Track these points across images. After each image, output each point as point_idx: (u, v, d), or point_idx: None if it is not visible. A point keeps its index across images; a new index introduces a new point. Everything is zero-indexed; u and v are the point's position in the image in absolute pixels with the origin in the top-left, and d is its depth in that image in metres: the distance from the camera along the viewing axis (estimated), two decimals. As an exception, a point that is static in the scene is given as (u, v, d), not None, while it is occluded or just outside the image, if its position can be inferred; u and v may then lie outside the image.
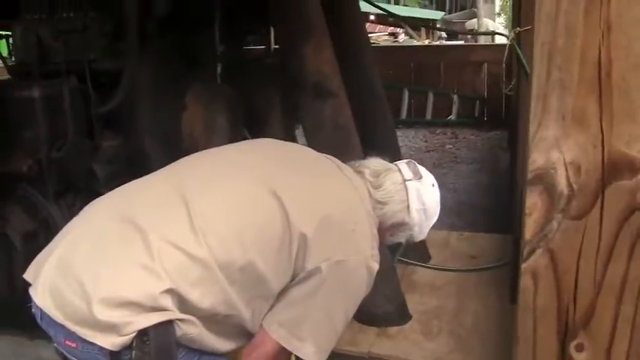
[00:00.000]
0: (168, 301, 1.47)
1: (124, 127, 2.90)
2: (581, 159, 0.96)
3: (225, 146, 1.85)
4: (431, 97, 7.12)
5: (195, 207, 1.57)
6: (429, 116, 6.99)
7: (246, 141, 1.87)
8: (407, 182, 1.78)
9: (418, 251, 3.40)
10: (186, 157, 1.81)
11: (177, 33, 3.01)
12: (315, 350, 1.61)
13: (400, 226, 1.81)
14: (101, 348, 1.47)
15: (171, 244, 1.51)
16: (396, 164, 1.85)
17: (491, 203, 4.73)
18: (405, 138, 4.02)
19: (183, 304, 1.49)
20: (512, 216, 3.24)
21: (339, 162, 1.81)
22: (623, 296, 0.90)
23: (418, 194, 1.79)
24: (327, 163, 1.79)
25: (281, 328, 1.61)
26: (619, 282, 0.90)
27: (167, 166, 1.79)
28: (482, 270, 3.17)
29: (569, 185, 0.95)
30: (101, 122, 2.84)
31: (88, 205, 1.71)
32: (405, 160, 1.89)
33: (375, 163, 1.85)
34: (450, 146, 6.17)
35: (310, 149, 1.88)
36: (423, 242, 3.43)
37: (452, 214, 4.66)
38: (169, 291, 1.46)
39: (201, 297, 1.50)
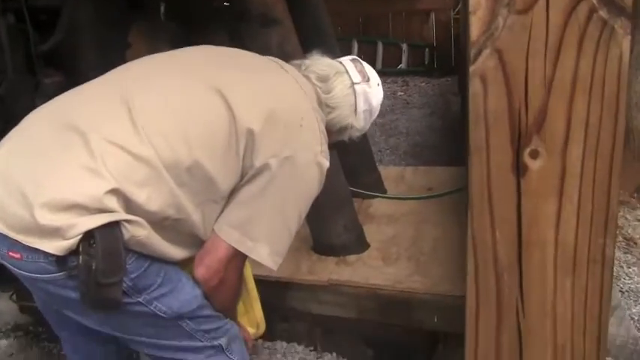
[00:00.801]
0: (113, 202, 1.42)
1: (67, 65, 2.83)
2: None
3: (164, 53, 1.78)
4: (380, 47, 7.10)
5: (136, 106, 1.52)
6: (379, 66, 6.97)
7: (186, 48, 1.80)
8: (355, 86, 1.77)
9: (373, 186, 3.38)
10: (124, 65, 1.74)
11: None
12: (269, 252, 1.59)
13: (346, 128, 1.82)
14: (46, 256, 1.42)
15: (113, 144, 1.46)
16: (342, 63, 1.82)
17: (444, 144, 4.75)
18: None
19: (130, 206, 1.45)
20: (466, 152, 3.24)
21: (283, 62, 1.77)
22: (574, 95, 0.88)
23: (365, 97, 1.80)
24: (270, 62, 1.76)
25: (233, 230, 1.58)
26: (570, 80, 0.89)
27: (105, 74, 1.71)
28: (439, 196, 3.15)
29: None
30: (42, 60, 2.79)
31: (24, 119, 1.63)
32: (350, 58, 1.87)
33: (321, 65, 1.81)
34: (402, 93, 6.17)
35: (253, 53, 1.82)
36: (378, 177, 3.42)
37: (406, 157, 4.67)
38: (114, 191, 1.41)
39: (149, 199, 1.46)
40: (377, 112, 1.88)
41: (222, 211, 1.62)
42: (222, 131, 1.54)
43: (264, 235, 1.60)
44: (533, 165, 0.92)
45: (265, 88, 1.64)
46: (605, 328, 0.98)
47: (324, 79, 1.76)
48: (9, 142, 1.57)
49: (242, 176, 1.59)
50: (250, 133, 1.54)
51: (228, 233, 1.59)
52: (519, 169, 0.93)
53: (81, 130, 1.48)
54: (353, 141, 3.00)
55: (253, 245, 1.59)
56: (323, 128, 1.68)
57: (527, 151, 0.92)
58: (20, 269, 1.48)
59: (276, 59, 1.79)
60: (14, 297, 2.76)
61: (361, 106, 1.80)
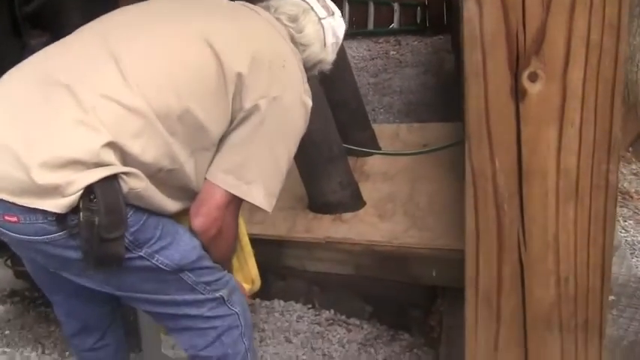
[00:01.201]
0: (110, 156, 1.39)
1: (52, 26, 2.75)
2: None
3: (143, 3, 1.74)
4: (372, 6, 7.00)
5: (122, 57, 1.49)
6: (371, 26, 6.90)
7: None
8: (322, 21, 1.80)
9: (367, 144, 3.34)
10: (103, 16, 1.69)
11: None
12: (264, 193, 1.59)
13: (318, 63, 1.83)
14: (45, 216, 1.39)
15: (103, 96, 1.43)
16: (305, 1, 1.84)
17: (438, 101, 4.69)
18: (348, 49, 3.91)
19: (126, 158, 1.42)
20: (461, 108, 3.21)
21: (255, 7, 1.77)
22: (574, 13, 0.84)
23: (333, 31, 1.83)
24: (243, 7, 1.76)
25: (227, 175, 1.57)
26: None
27: (84, 26, 1.67)
28: (435, 151, 3.12)
29: None
30: (27, 22, 2.75)
31: (1, 78, 1.58)
32: None
33: (288, 6, 1.82)
34: (394, 52, 6.10)
35: None
36: (372, 134, 3.39)
37: (400, 115, 4.63)
38: (110, 144, 1.38)
39: (143, 150, 1.43)
40: (341, 41, 1.91)
41: (212, 159, 1.59)
42: (211, 77, 1.52)
43: (258, 177, 1.59)
44: (533, 89, 0.88)
45: (246, 32, 1.64)
46: (609, 259, 0.96)
47: (294, 19, 1.77)
48: None
49: (231, 121, 1.57)
50: (239, 76, 1.53)
51: (223, 179, 1.58)
52: (518, 94, 0.89)
53: (67, 84, 1.45)
54: (346, 100, 2.99)
55: (248, 189, 1.58)
56: (302, 67, 1.70)
57: (526, 74, 0.88)
58: (17, 233, 1.45)
59: (247, 3, 1.79)
60: (9, 262, 2.73)
61: (330, 39, 1.83)
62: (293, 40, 1.75)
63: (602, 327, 1.00)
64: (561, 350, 1.03)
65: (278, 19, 1.75)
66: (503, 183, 0.93)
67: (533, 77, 0.87)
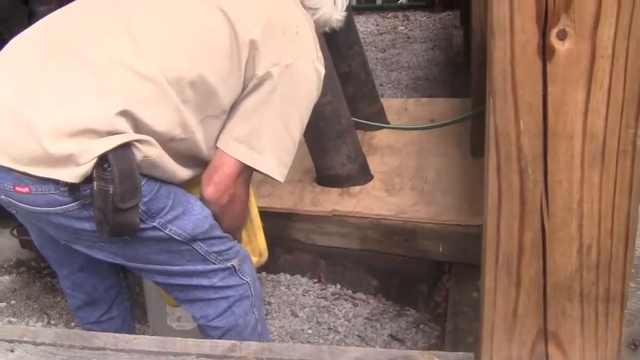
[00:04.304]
0: (123, 124, 1.36)
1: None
2: None
3: None
4: (380, -19, 6.94)
5: (134, 23, 1.46)
6: (379, 1, 6.81)
7: None
8: None
9: (376, 117, 3.31)
10: None
11: None
12: (277, 163, 1.57)
13: (329, 21, 1.80)
14: (58, 186, 1.37)
15: (115, 62, 1.40)
16: None
17: (447, 77, 4.65)
18: (356, 24, 3.86)
19: (138, 126, 1.40)
20: (469, 85, 3.17)
21: None
22: (607, -33, 0.80)
23: None
24: None
25: (239, 144, 1.54)
26: None
27: None
28: (442, 126, 3.09)
29: None
30: None
31: (7, 45, 1.55)
32: None
33: None
34: (403, 28, 6.03)
35: None
36: (380, 108, 3.35)
37: (408, 90, 4.59)
38: (123, 112, 1.36)
39: (155, 118, 1.41)
40: None
41: (223, 126, 1.57)
42: (224, 44, 1.49)
43: (270, 146, 1.57)
44: (561, 47, 0.85)
45: None
46: (634, 228, 0.93)
47: None
48: None
49: (243, 88, 1.55)
50: (253, 43, 1.50)
51: (235, 148, 1.56)
52: (545, 52, 0.86)
53: (77, 51, 1.43)
54: (354, 73, 2.94)
55: (260, 158, 1.56)
56: (315, 34, 1.66)
57: (555, 31, 0.84)
58: (29, 204, 1.42)
59: None
60: (15, 232, 2.72)
61: None
62: (303, 4, 1.71)
63: (624, 298, 0.98)
64: (581, 320, 1.01)
65: None
66: (528, 145, 0.90)
67: (561, 35, 0.84)
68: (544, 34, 0.84)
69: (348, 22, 3.34)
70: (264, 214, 2.04)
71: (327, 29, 1.85)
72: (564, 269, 0.98)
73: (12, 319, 2.63)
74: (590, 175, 0.91)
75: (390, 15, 6.43)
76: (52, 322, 2.61)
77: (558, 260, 0.97)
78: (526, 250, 0.96)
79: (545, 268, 0.98)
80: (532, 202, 0.93)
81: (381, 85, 4.59)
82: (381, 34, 5.87)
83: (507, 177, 0.92)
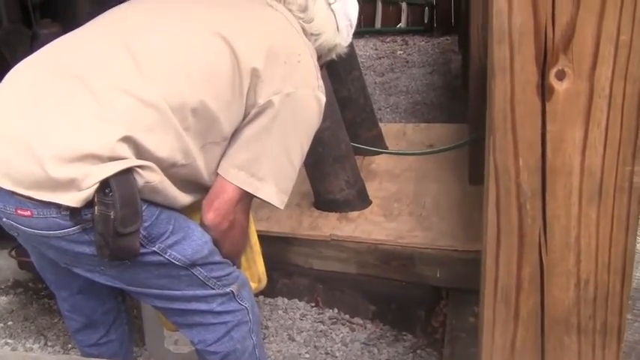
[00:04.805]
0: (125, 149, 1.38)
1: (62, 15, 2.76)
2: None
3: None
4: (379, 5, 6.99)
5: (137, 49, 1.47)
6: (378, 25, 6.89)
7: None
8: (332, 6, 1.75)
9: (374, 142, 3.33)
10: (116, 8, 1.68)
11: None
12: (276, 190, 1.59)
13: (333, 48, 1.80)
14: (59, 210, 1.38)
15: (119, 89, 1.42)
16: None
17: (445, 101, 4.69)
18: (355, 48, 3.90)
19: (141, 152, 1.41)
20: (467, 110, 3.20)
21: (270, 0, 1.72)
22: (604, 10, 0.83)
23: (344, 13, 1.79)
24: (259, 2, 1.71)
25: (239, 171, 1.56)
26: None
27: (98, 17, 1.66)
28: (440, 152, 3.11)
29: None
30: (38, 11, 2.79)
31: (11, 70, 1.56)
32: None
33: None
34: (401, 52, 6.09)
35: None
36: (379, 133, 3.38)
37: (407, 115, 4.62)
38: (125, 138, 1.37)
39: (158, 144, 1.43)
40: (356, 22, 1.85)
41: (224, 153, 1.59)
42: (226, 71, 1.51)
43: (270, 173, 1.59)
44: (560, 86, 0.87)
45: (261, 27, 1.62)
46: (630, 262, 0.95)
47: (304, 10, 1.73)
48: (0, 94, 1.51)
49: (244, 116, 1.56)
50: (255, 71, 1.52)
51: (235, 175, 1.57)
52: (545, 92, 0.88)
53: (82, 76, 1.44)
54: (353, 98, 2.96)
55: (260, 185, 1.58)
56: (316, 62, 1.67)
57: (554, 71, 0.86)
58: (30, 227, 1.43)
59: None
60: (13, 253, 2.72)
61: (342, 23, 1.79)
62: (304, 31, 1.72)
63: (621, 331, 0.99)
64: (579, 353, 1.02)
65: (289, 10, 1.72)
66: (527, 181, 0.92)
67: (560, 75, 0.86)
68: (543, 74, 0.86)
69: (348, 47, 3.38)
70: (263, 237, 2.05)
71: (334, 56, 1.85)
72: (562, 303, 0.99)
73: (9, 341, 2.62)
74: (588, 211, 0.93)
75: (388, 39, 6.49)
76: (49, 343, 2.61)
77: (556, 294, 0.98)
78: (524, 283, 0.98)
79: (543, 301, 0.99)
80: (531, 237, 0.95)
81: (380, 109, 4.62)
82: (380, 58, 5.92)
83: (506, 212, 0.94)
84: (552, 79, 0.86)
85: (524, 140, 0.90)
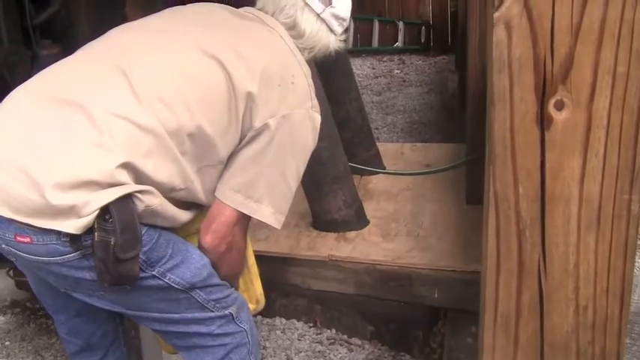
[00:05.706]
0: (124, 175, 1.39)
1: (62, 37, 2.82)
2: None
3: (149, 17, 1.73)
4: (376, 25, 7.04)
5: (135, 76, 1.48)
6: (375, 44, 6.93)
7: (168, 10, 1.76)
8: (321, 15, 1.73)
9: (372, 162, 3.35)
10: (110, 32, 1.69)
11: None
12: (273, 211, 1.61)
13: (330, 49, 1.79)
14: (59, 236, 1.38)
15: (117, 116, 1.42)
16: None
17: (442, 120, 4.71)
18: (352, 67, 3.94)
19: (140, 177, 1.42)
20: (464, 129, 3.23)
21: (264, 16, 1.73)
22: (602, 42, 0.85)
23: (335, 17, 1.76)
24: (254, 22, 1.71)
25: (236, 194, 1.57)
26: (597, 26, 0.85)
27: (92, 43, 1.66)
28: (438, 172, 3.13)
29: None
30: (38, 32, 2.80)
31: (8, 96, 1.57)
32: None
33: (286, 9, 1.73)
34: (398, 71, 6.13)
35: (234, 10, 1.78)
36: (376, 153, 3.39)
37: (404, 134, 4.64)
38: (124, 165, 1.38)
39: (156, 169, 1.44)
40: (349, 14, 1.81)
41: (221, 176, 1.61)
42: (222, 96, 1.52)
43: (267, 195, 1.60)
44: (559, 116, 0.88)
45: (256, 48, 1.62)
46: (628, 288, 0.96)
47: (292, 27, 1.72)
48: None
49: (241, 139, 1.58)
50: (250, 95, 1.54)
51: (232, 197, 1.59)
52: (543, 122, 0.89)
53: (79, 104, 1.44)
54: (351, 118, 2.97)
55: (257, 206, 1.59)
56: (310, 81, 1.68)
57: (553, 102, 0.88)
58: (30, 254, 1.44)
59: (253, 10, 1.76)
60: (11, 273, 2.72)
61: (335, 26, 1.77)
62: (298, 46, 1.71)
63: (620, 356, 1.00)
64: (578, 378, 1.02)
65: (284, 23, 1.71)
66: (526, 209, 0.93)
67: (559, 105, 0.88)
68: (542, 104, 0.88)
69: (346, 68, 3.40)
70: (261, 257, 2.05)
71: (332, 53, 1.83)
72: (561, 329, 1.00)
73: (6, 361, 2.62)
74: (586, 239, 0.94)
75: (385, 58, 6.53)
76: (46, 363, 2.60)
77: (555, 320, 0.99)
78: (524, 310, 0.99)
79: (542, 327, 1.00)
80: (530, 264, 0.96)
81: (377, 128, 4.64)
82: (377, 77, 5.96)
83: (506, 239, 0.95)
84: (551, 109, 0.88)
85: (524, 169, 0.91)
